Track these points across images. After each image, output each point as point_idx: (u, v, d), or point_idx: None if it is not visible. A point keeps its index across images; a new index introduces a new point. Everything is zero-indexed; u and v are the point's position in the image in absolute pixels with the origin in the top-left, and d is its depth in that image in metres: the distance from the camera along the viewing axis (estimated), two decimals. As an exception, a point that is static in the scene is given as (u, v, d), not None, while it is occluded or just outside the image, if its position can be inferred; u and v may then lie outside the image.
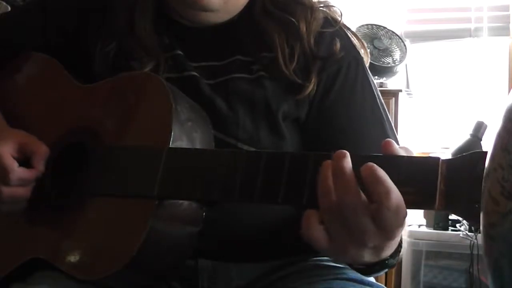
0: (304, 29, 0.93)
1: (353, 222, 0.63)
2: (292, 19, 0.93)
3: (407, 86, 2.86)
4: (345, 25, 0.98)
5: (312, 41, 0.93)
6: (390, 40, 2.80)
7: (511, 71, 2.85)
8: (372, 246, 0.66)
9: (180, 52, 0.94)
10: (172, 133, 0.78)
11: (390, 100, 2.58)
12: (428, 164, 0.65)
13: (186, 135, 0.80)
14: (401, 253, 0.74)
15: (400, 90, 2.67)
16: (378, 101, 0.95)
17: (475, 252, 2.34)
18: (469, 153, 0.64)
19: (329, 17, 0.97)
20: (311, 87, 0.91)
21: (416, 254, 2.52)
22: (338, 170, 0.63)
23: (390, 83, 2.79)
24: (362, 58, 0.96)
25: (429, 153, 2.82)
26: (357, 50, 0.97)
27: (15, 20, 1.07)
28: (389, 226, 0.63)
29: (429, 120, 3.03)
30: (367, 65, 0.98)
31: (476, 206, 0.59)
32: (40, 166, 0.87)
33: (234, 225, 0.88)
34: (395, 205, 0.62)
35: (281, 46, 0.92)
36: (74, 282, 0.80)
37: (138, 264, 0.76)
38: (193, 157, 0.78)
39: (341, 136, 0.91)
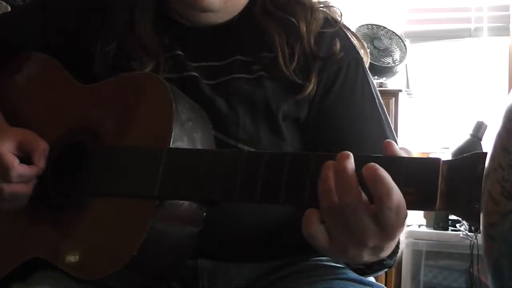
0: (304, 29, 0.93)
1: (354, 222, 0.63)
2: (292, 19, 0.94)
3: (407, 86, 2.86)
4: (345, 25, 0.98)
5: (312, 41, 0.93)
6: (390, 40, 2.81)
7: (511, 71, 2.85)
8: (372, 246, 0.66)
9: (180, 52, 0.94)
10: (173, 133, 0.78)
11: (390, 100, 2.58)
12: (429, 164, 0.65)
13: (186, 135, 0.80)
14: (398, 254, 0.74)
15: (400, 90, 2.68)
16: (377, 102, 0.95)
17: (475, 252, 2.35)
18: (470, 154, 0.64)
19: (329, 17, 0.97)
20: (311, 87, 0.91)
21: (416, 254, 2.52)
22: (341, 170, 0.63)
23: (390, 83, 2.79)
24: (362, 58, 0.97)
25: (429, 153, 2.82)
26: (357, 50, 0.97)
27: (15, 20, 1.07)
28: (390, 226, 0.63)
29: (429, 120, 3.03)
30: (367, 65, 0.98)
31: (477, 207, 0.59)
32: (40, 162, 0.87)
33: (234, 225, 0.88)
34: (396, 205, 0.62)
35: (281, 46, 0.92)
36: (74, 282, 0.80)
37: (138, 264, 0.76)
38: (193, 157, 0.78)
39: (341, 136, 0.91)
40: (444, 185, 0.63)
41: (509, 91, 2.53)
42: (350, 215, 0.63)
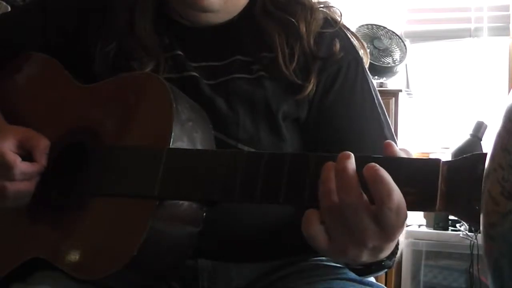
0: (304, 29, 0.93)
1: (354, 222, 0.63)
2: (292, 20, 0.94)
3: (407, 86, 2.86)
4: (344, 25, 0.98)
5: (312, 41, 0.93)
6: (390, 40, 2.81)
7: (511, 71, 2.85)
8: (372, 247, 0.66)
9: (180, 52, 0.94)
10: (173, 133, 0.78)
11: (390, 100, 2.58)
12: (429, 165, 0.65)
13: (186, 135, 0.80)
14: (398, 254, 0.74)
15: (400, 90, 2.68)
16: (376, 102, 0.95)
17: (475, 252, 2.35)
18: (470, 155, 0.64)
19: (329, 18, 0.97)
20: (310, 87, 0.91)
21: (416, 254, 2.53)
22: (341, 170, 0.63)
23: (390, 83, 2.79)
24: (361, 58, 0.97)
25: (429, 153, 2.82)
26: (357, 51, 0.97)
27: (15, 20, 1.07)
28: (390, 226, 0.63)
29: (429, 120, 3.03)
30: (366, 65, 0.98)
31: (477, 208, 0.59)
32: (42, 159, 0.87)
33: (234, 225, 0.88)
34: (397, 205, 0.62)
35: (281, 46, 0.92)
36: (74, 282, 0.80)
37: (138, 264, 0.76)
38: (193, 157, 0.78)
39: (341, 136, 0.91)
40: (444, 185, 0.63)
41: (509, 91, 2.53)
42: (350, 215, 0.63)
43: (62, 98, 0.95)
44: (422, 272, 2.53)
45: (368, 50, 1.00)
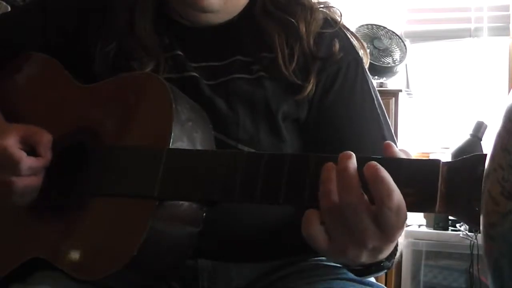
0: (304, 29, 0.93)
1: (354, 222, 0.63)
2: (292, 20, 0.94)
3: (407, 86, 2.86)
4: (344, 25, 0.98)
5: (311, 41, 0.93)
6: (390, 40, 2.81)
7: (511, 71, 2.85)
8: (372, 248, 0.66)
9: (180, 53, 0.94)
10: (172, 134, 0.78)
11: (390, 100, 2.58)
12: (429, 166, 0.65)
13: (186, 135, 0.80)
14: (397, 255, 0.74)
15: (400, 90, 2.68)
16: (376, 102, 0.95)
17: (475, 252, 2.35)
18: (470, 156, 0.64)
19: (329, 18, 0.97)
20: (310, 87, 0.91)
21: (416, 254, 2.53)
22: (342, 170, 0.63)
23: (390, 83, 2.79)
24: (361, 58, 0.97)
25: (429, 153, 2.82)
26: (357, 51, 0.97)
27: (15, 20, 1.07)
28: (390, 227, 0.63)
29: (429, 120, 3.03)
30: (366, 65, 0.98)
31: (477, 209, 0.59)
32: (47, 154, 0.87)
33: (234, 225, 0.88)
34: (397, 205, 0.62)
35: (281, 47, 0.92)
36: (74, 282, 0.80)
37: (138, 264, 0.76)
38: (193, 157, 0.78)
39: (341, 136, 0.91)
40: (444, 186, 0.63)
41: (509, 91, 2.53)
42: (350, 215, 0.63)
43: (62, 98, 0.95)
44: (422, 272, 2.53)
45: (368, 50, 1.00)
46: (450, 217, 2.53)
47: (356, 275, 0.78)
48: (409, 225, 2.57)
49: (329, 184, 0.64)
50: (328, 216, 0.65)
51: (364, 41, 1.00)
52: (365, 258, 0.68)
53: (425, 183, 0.64)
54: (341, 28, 0.97)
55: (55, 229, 0.84)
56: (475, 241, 2.34)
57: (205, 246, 0.85)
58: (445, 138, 2.92)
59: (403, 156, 0.68)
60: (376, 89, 0.98)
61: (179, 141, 0.79)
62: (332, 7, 0.99)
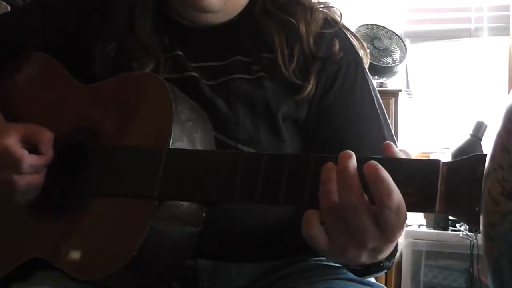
0: (304, 29, 0.93)
1: (354, 222, 0.63)
2: (292, 20, 0.94)
3: (407, 86, 2.86)
4: (344, 26, 0.98)
5: (311, 41, 0.93)
6: (390, 40, 2.81)
7: (511, 71, 2.85)
8: (371, 248, 0.66)
9: (180, 53, 0.94)
10: (172, 134, 0.78)
11: (390, 100, 2.58)
12: (429, 166, 0.65)
13: (186, 136, 0.80)
14: (397, 255, 0.74)
15: (400, 90, 2.68)
16: (376, 102, 0.95)
17: (475, 252, 2.35)
18: (469, 156, 0.64)
19: (329, 18, 0.97)
20: (310, 87, 0.91)
21: (416, 254, 2.52)
22: (343, 169, 0.63)
23: (390, 83, 2.79)
24: (361, 59, 0.97)
25: (429, 153, 2.82)
26: (357, 51, 0.97)
27: (15, 20, 1.07)
28: (390, 227, 0.63)
29: (429, 120, 3.03)
30: (366, 65, 0.98)
31: (476, 209, 0.59)
32: (48, 151, 0.87)
33: (234, 225, 0.88)
34: (396, 205, 0.62)
35: (281, 47, 0.92)
36: (74, 282, 0.80)
37: (138, 264, 0.76)
38: (193, 157, 0.78)
39: (341, 136, 0.91)
40: (443, 186, 0.63)
41: (509, 91, 2.53)
42: (350, 215, 0.63)
43: (62, 98, 0.95)
44: (422, 272, 2.53)
45: (368, 50, 1.00)
46: (450, 217, 2.53)
47: (356, 275, 0.78)
48: (409, 225, 2.57)
49: (329, 184, 0.64)
50: (328, 216, 0.65)
51: (364, 41, 1.00)
52: (365, 258, 0.68)
53: (425, 183, 0.64)
54: (341, 28, 0.97)
55: (55, 229, 0.85)
56: (475, 241, 2.34)
57: (205, 246, 0.85)
58: (445, 138, 2.92)
59: (403, 156, 0.68)
60: (376, 89, 0.98)
61: (179, 141, 0.79)
62: (332, 7, 0.99)
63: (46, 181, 0.87)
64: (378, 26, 2.83)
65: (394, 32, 2.83)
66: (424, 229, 2.58)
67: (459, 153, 2.45)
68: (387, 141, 0.69)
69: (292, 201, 0.70)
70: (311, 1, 0.97)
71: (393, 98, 2.61)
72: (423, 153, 2.87)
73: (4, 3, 1.95)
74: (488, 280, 0.50)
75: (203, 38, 0.96)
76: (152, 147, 0.79)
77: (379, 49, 2.76)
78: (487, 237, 0.50)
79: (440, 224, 2.52)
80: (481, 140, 2.50)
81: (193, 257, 0.88)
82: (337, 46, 0.93)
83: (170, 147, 0.78)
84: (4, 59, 1.02)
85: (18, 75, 1.02)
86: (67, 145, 0.89)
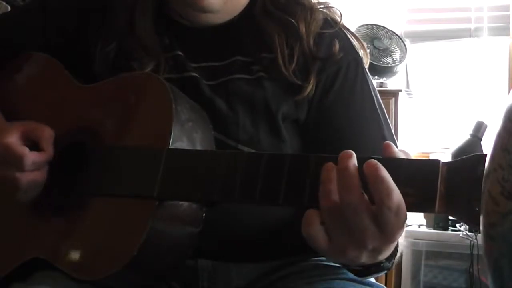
0: (304, 30, 0.93)
1: (354, 222, 0.63)
2: (292, 20, 0.94)
3: (407, 86, 2.86)
4: (344, 26, 0.98)
5: (311, 42, 0.93)
6: (390, 40, 2.81)
7: (511, 71, 2.85)
8: (371, 248, 0.66)
9: (180, 53, 0.94)
10: (172, 134, 0.78)
11: (390, 100, 2.58)
12: (429, 166, 0.65)
13: (186, 136, 0.80)
14: (398, 255, 0.74)
15: (400, 90, 2.68)
16: (376, 103, 0.95)
17: (475, 252, 2.35)
18: (469, 156, 0.64)
19: (329, 18, 0.97)
20: (310, 87, 0.91)
21: (416, 254, 2.52)
22: (343, 169, 0.63)
23: (390, 83, 2.79)
24: (361, 59, 0.97)
25: (429, 153, 2.82)
26: (357, 51, 0.97)
27: (15, 20, 1.07)
28: (390, 227, 0.63)
29: (429, 120, 3.03)
30: (366, 65, 0.98)
31: (476, 209, 0.59)
32: (49, 148, 0.87)
33: (234, 225, 0.88)
34: (396, 205, 0.62)
35: (281, 47, 0.92)
36: (74, 282, 0.80)
37: (138, 264, 0.76)
38: (193, 158, 0.78)
39: (340, 136, 0.91)
40: (443, 186, 0.63)
41: (509, 91, 2.53)
42: (350, 215, 0.63)
43: (62, 98, 0.95)
44: (422, 272, 2.53)
45: (368, 50, 1.00)
46: (450, 217, 2.53)
47: (356, 275, 0.78)
48: (409, 225, 2.57)
49: (329, 184, 0.64)
50: (328, 216, 0.65)
51: (364, 41, 1.00)
52: (365, 259, 0.68)
53: (425, 183, 0.64)
54: (341, 28, 0.97)
55: (56, 229, 0.85)
56: (475, 241, 2.34)
57: (205, 246, 0.85)
58: (445, 138, 2.92)
59: (402, 156, 0.67)
60: (376, 89, 0.98)
61: (179, 141, 0.79)
62: (332, 7, 0.99)
63: (46, 181, 0.87)
64: (378, 26, 2.83)
65: (394, 32, 2.83)
66: (424, 229, 2.58)
67: (459, 153, 2.45)
68: (387, 141, 0.69)
69: (292, 201, 0.70)
70: (311, 1, 0.97)
71: (393, 98, 2.61)
72: (423, 153, 2.87)
73: (4, 3, 1.95)
74: (488, 280, 0.50)
75: (203, 38, 0.96)
76: (152, 147, 0.79)
77: (379, 49, 2.76)
78: (487, 237, 0.50)
79: (440, 224, 2.52)
80: (481, 140, 2.50)
81: (193, 257, 0.88)
82: (337, 46, 0.93)
83: (170, 147, 0.78)
84: (4, 59, 1.02)
85: (18, 75, 1.02)
86: (67, 145, 0.89)
